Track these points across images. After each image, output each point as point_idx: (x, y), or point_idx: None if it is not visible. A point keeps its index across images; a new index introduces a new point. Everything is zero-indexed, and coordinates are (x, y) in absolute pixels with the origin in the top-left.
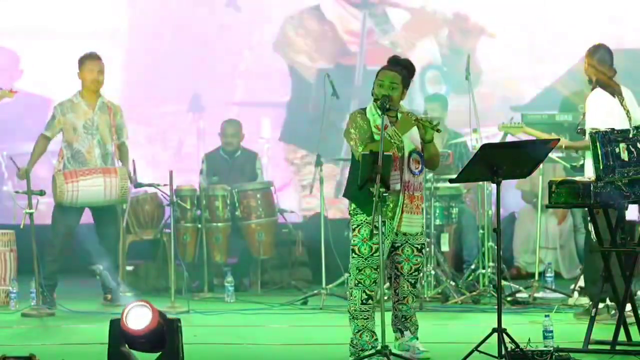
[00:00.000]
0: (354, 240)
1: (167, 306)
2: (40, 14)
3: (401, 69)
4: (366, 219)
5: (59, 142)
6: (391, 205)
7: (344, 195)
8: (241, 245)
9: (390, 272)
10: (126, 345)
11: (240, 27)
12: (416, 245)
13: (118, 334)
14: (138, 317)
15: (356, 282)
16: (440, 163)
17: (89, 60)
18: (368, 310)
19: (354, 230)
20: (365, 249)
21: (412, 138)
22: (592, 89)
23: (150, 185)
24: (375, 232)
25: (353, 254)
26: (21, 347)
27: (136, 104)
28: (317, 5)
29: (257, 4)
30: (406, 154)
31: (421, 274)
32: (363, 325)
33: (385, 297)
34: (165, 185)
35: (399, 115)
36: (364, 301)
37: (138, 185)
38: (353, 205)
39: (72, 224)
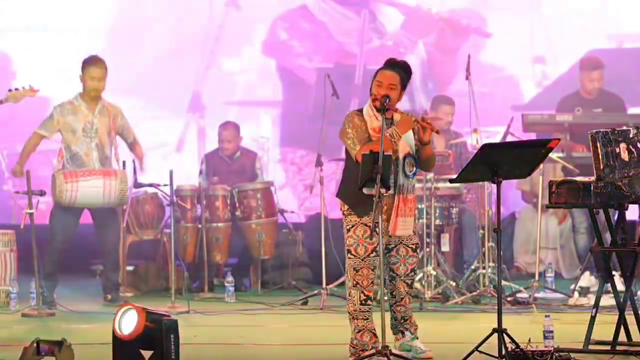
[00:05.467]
0: (348, 241)
1: (168, 306)
2: (35, 12)
3: (399, 70)
4: (360, 220)
5: (59, 141)
6: (385, 207)
7: (337, 195)
8: (241, 245)
9: (385, 274)
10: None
11: (240, 26)
12: (410, 246)
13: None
14: (128, 322)
15: (354, 282)
16: (438, 163)
17: (90, 66)
18: (368, 311)
19: (348, 230)
20: (360, 250)
21: (407, 141)
22: None
23: (150, 185)
24: (375, 232)
25: (349, 255)
26: (21, 347)
27: (135, 104)
28: (317, 4)
29: (257, 3)
30: (401, 157)
31: (416, 274)
32: (363, 326)
33: (385, 297)
34: (165, 185)
35: (396, 115)
36: (362, 302)
37: (138, 185)
38: (346, 206)
39: (70, 225)
